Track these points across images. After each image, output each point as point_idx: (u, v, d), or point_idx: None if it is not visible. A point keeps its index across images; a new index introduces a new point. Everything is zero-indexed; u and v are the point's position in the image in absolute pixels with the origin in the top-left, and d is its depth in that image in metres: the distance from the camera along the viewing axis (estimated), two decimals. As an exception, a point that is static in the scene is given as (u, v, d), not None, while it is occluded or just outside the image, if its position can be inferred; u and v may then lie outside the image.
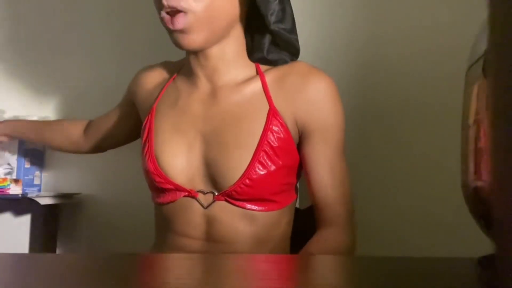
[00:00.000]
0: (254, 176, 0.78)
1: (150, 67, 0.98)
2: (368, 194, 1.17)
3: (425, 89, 1.15)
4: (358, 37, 1.20)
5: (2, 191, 1.23)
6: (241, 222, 0.80)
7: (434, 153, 1.14)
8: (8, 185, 1.24)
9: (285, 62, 0.86)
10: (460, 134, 0.41)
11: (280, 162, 0.80)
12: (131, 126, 1.05)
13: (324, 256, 0.50)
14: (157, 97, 0.91)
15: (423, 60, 1.16)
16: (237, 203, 0.80)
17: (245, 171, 0.78)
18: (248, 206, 0.80)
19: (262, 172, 0.78)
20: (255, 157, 0.78)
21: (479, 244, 0.41)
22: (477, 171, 0.37)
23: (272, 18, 0.82)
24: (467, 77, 0.41)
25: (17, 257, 0.49)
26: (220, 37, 0.82)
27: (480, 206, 0.37)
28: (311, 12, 1.22)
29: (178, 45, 0.80)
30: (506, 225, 0.24)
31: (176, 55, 0.96)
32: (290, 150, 0.82)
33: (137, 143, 1.03)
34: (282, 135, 0.80)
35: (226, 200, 0.80)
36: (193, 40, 0.78)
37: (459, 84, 0.44)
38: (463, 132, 0.41)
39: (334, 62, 1.15)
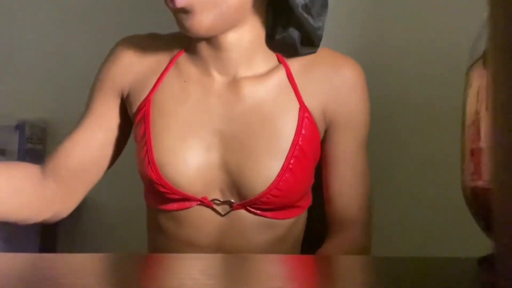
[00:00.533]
0: (283, 185, 0.69)
1: (136, 39, 0.79)
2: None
3: (425, 89, 1.15)
4: (359, 37, 1.20)
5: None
6: (258, 230, 0.73)
7: (434, 153, 1.13)
8: (8, 185, 1.24)
9: (310, 53, 0.74)
10: (460, 134, 0.41)
11: (309, 166, 0.73)
12: (126, 132, 0.80)
13: (322, 256, 0.50)
14: (154, 84, 0.74)
15: (423, 60, 1.16)
16: (259, 212, 0.72)
17: (274, 180, 0.69)
18: (270, 215, 0.73)
19: (291, 180, 0.70)
20: (286, 165, 0.69)
21: (479, 244, 0.41)
22: (477, 171, 0.37)
23: (298, 3, 0.69)
24: (467, 77, 0.41)
25: (17, 257, 0.49)
26: (233, 21, 0.69)
27: (480, 206, 0.37)
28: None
29: (183, 28, 0.68)
30: (506, 225, 0.24)
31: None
32: (317, 149, 0.75)
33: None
34: (311, 135, 0.72)
35: (246, 209, 0.72)
36: (199, 21, 0.66)
37: (459, 84, 0.44)
38: (463, 132, 0.41)
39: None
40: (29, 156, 1.34)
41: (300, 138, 0.71)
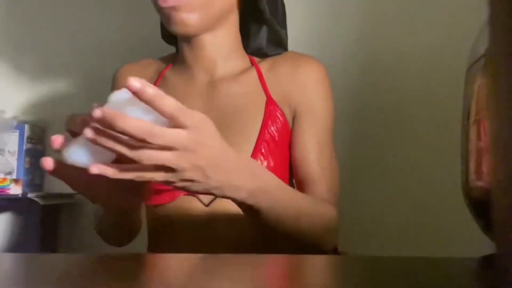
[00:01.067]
0: None
1: (130, 66, 0.92)
2: (368, 193, 1.17)
3: (425, 89, 1.15)
4: (359, 38, 1.20)
5: (2, 191, 1.23)
6: (242, 217, 0.74)
7: (434, 153, 1.13)
8: (8, 185, 1.24)
9: (278, 54, 0.88)
10: (460, 134, 0.41)
11: (281, 152, 0.80)
12: None
13: (322, 256, 0.50)
14: None
15: (423, 60, 1.16)
16: None
17: None
18: None
19: (264, 163, 0.77)
20: (256, 148, 0.78)
21: (479, 244, 0.41)
22: (477, 171, 0.37)
23: (267, 10, 0.84)
24: (467, 76, 0.41)
25: (17, 257, 0.49)
26: (215, 22, 0.80)
27: (480, 206, 0.37)
28: (311, 13, 1.22)
29: (170, 24, 0.77)
30: (506, 225, 0.24)
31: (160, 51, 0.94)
32: (287, 137, 0.82)
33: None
34: (280, 125, 0.81)
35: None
36: (187, 19, 0.76)
37: (459, 84, 0.44)
38: (463, 132, 0.41)
39: (335, 62, 1.15)
40: (29, 156, 1.34)
41: (269, 126, 0.80)
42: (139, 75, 0.85)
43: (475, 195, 0.38)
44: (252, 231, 0.76)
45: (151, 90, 0.48)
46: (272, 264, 0.45)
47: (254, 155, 0.77)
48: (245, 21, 0.88)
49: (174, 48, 0.95)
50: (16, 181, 1.25)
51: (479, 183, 0.36)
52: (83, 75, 1.39)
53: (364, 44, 1.20)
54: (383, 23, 1.20)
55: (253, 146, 0.78)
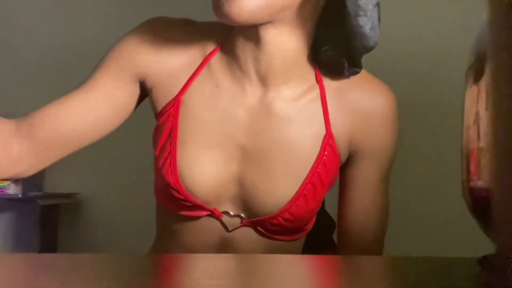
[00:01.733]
0: (295, 210, 0.67)
1: (171, 24, 0.71)
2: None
3: (425, 89, 1.15)
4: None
5: (2, 191, 1.23)
6: (261, 251, 0.70)
7: (434, 153, 1.13)
8: (8, 185, 1.24)
9: (355, 73, 0.70)
10: (460, 134, 0.41)
11: (322, 194, 0.70)
12: (119, 114, 0.71)
13: (322, 256, 0.50)
14: (184, 84, 0.68)
15: (423, 60, 1.16)
16: (268, 233, 0.70)
17: (287, 203, 0.66)
18: (276, 237, 0.70)
19: (303, 206, 0.67)
20: (301, 190, 0.67)
21: (479, 244, 0.41)
22: (477, 171, 0.37)
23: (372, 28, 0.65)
24: (467, 77, 0.41)
25: (17, 257, 0.49)
26: (276, 13, 0.62)
27: (480, 206, 0.37)
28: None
29: (220, 13, 0.60)
30: (506, 225, 0.24)
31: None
32: (334, 178, 0.72)
33: (137, 139, 1.01)
34: (331, 164, 0.69)
35: (254, 228, 0.70)
36: (240, 5, 0.59)
37: (459, 84, 0.44)
38: (463, 132, 0.41)
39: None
40: (29, 156, 1.34)
41: (320, 166, 0.68)
42: (177, 43, 0.68)
43: (475, 195, 0.38)
44: None
45: None
46: (274, 265, 0.45)
47: (295, 198, 0.67)
48: (324, 20, 0.68)
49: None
50: (16, 181, 1.25)
51: (479, 183, 0.36)
52: (83, 75, 1.39)
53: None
54: (383, 23, 1.20)
55: (297, 188, 0.67)
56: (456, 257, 0.44)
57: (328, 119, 0.68)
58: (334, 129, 0.68)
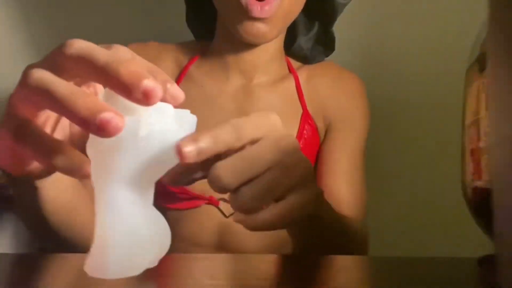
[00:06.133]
0: None
1: (137, 46, 0.79)
2: (368, 193, 1.17)
3: (425, 89, 1.15)
4: (358, 37, 1.20)
5: (2, 191, 1.23)
6: (259, 233, 0.71)
7: (434, 153, 1.13)
8: (8, 185, 1.24)
9: (320, 60, 0.83)
10: (460, 134, 0.41)
11: None
12: None
13: (322, 256, 0.50)
14: None
15: (423, 60, 1.16)
16: None
17: None
18: None
19: None
20: None
21: (479, 244, 0.41)
22: (477, 171, 0.37)
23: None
24: (467, 76, 0.41)
25: (17, 257, 0.49)
26: (283, 31, 0.75)
27: (480, 206, 0.37)
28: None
29: (251, 35, 0.68)
30: (506, 225, 0.24)
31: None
32: (315, 153, 0.78)
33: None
34: (312, 139, 0.77)
35: None
36: (271, 31, 0.68)
37: (459, 84, 0.44)
38: (463, 132, 0.41)
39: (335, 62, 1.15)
40: (29, 156, 1.34)
41: (301, 141, 0.75)
42: (154, 62, 0.73)
43: (475, 195, 0.38)
44: (270, 246, 0.72)
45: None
46: (273, 264, 0.45)
47: None
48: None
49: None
50: (16, 181, 1.25)
51: (479, 183, 0.36)
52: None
53: (363, 44, 1.20)
54: (382, 22, 1.20)
55: None
56: (456, 257, 0.44)
57: (304, 100, 0.78)
58: (310, 108, 0.78)
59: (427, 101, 1.15)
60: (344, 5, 0.85)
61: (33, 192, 0.46)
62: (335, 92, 0.79)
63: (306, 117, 0.77)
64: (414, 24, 1.17)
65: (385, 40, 1.19)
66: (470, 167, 0.38)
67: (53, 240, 0.57)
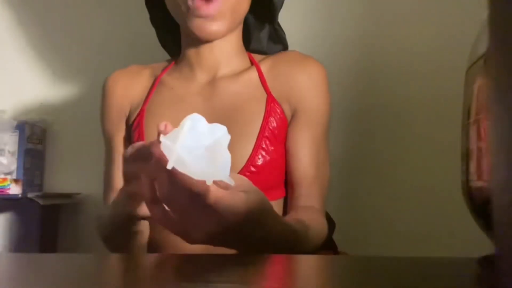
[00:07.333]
0: (259, 163, 0.78)
1: (120, 73, 0.91)
2: (368, 193, 1.17)
3: (425, 89, 1.15)
4: (359, 37, 1.20)
5: (2, 191, 1.23)
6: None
7: (434, 152, 1.13)
8: (8, 185, 1.24)
9: (278, 51, 0.91)
10: (460, 133, 0.41)
11: (281, 147, 0.81)
12: None
13: (322, 256, 0.50)
14: (146, 98, 0.87)
15: (423, 59, 1.16)
16: None
17: (248, 158, 0.78)
18: None
19: (266, 158, 0.79)
20: (257, 144, 0.79)
21: (479, 244, 0.41)
22: (477, 171, 0.37)
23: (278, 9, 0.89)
24: (467, 77, 0.41)
25: (17, 257, 0.49)
26: (234, 28, 0.83)
27: (480, 206, 0.37)
28: (312, 12, 1.22)
29: (201, 32, 0.78)
30: (506, 225, 0.24)
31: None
32: (284, 134, 0.83)
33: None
34: (280, 121, 0.82)
35: None
36: (218, 27, 0.79)
37: (459, 84, 0.44)
38: (463, 132, 0.41)
39: (335, 62, 1.15)
40: (29, 156, 1.34)
41: (269, 123, 0.81)
42: (133, 82, 0.89)
43: (475, 195, 0.38)
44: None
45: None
46: (273, 264, 0.45)
47: (255, 151, 0.78)
48: (246, 20, 0.90)
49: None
50: (16, 181, 1.25)
51: (479, 183, 0.36)
52: (83, 75, 1.39)
53: (363, 44, 1.20)
54: (382, 23, 1.20)
55: (254, 142, 0.79)
56: (456, 257, 0.44)
57: (267, 87, 0.84)
58: (275, 94, 0.84)
59: (427, 101, 1.15)
60: (282, 1, 0.91)
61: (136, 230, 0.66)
62: (296, 77, 0.84)
63: (271, 101, 0.83)
64: (414, 24, 1.17)
65: (385, 40, 1.19)
66: (470, 167, 0.38)
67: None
